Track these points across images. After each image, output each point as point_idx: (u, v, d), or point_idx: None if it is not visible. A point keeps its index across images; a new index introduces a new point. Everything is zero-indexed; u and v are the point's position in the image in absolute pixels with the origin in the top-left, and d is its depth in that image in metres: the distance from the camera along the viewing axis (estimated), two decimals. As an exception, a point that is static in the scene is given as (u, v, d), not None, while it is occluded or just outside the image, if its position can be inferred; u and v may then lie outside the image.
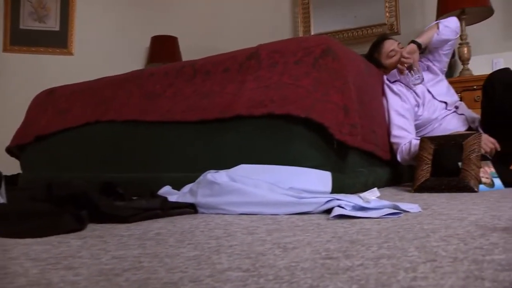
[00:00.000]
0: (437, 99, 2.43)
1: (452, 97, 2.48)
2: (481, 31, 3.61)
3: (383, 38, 2.60)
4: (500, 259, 0.65)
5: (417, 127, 2.40)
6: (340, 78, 1.73)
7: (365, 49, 2.70)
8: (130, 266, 0.70)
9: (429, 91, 2.44)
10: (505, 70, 2.21)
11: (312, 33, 4.42)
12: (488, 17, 3.43)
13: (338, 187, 1.65)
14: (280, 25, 4.68)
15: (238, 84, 1.89)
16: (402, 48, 2.47)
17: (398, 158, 2.28)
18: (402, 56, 2.33)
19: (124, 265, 0.70)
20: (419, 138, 2.21)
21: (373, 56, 2.52)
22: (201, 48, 4.47)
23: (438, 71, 2.51)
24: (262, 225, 1.10)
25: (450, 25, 2.41)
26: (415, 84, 2.36)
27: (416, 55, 2.35)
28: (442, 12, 3.40)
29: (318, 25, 4.45)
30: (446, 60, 2.54)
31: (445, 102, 2.43)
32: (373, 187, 2.05)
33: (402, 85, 2.43)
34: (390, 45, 2.50)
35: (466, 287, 0.52)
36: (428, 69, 2.52)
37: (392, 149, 2.31)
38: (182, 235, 0.99)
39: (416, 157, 2.08)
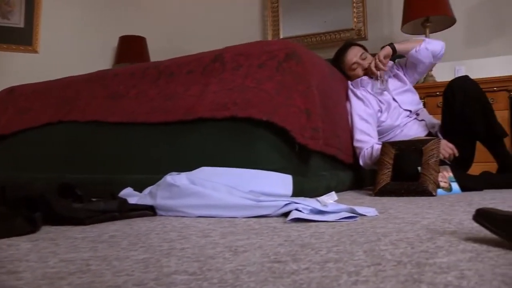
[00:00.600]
0: (402, 108, 2.47)
1: (417, 105, 2.52)
2: (444, 39, 3.67)
3: (346, 47, 2.62)
4: (442, 262, 0.67)
5: (380, 133, 2.44)
6: (304, 82, 1.74)
7: (333, 53, 2.72)
8: (77, 269, 0.69)
9: (394, 100, 2.47)
10: (465, 77, 2.26)
11: (281, 37, 4.45)
12: (451, 26, 3.51)
13: (299, 191, 1.66)
14: (250, 28, 4.69)
15: (202, 86, 1.89)
16: (364, 59, 2.50)
17: (361, 162, 2.31)
18: (378, 59, 2.37)
19: (70, 268, 0.69)
20: (381, 143, 2.25)
21: (338, 65, 2.55)
22: (170, 49, 4.46)
23: (406, 81, 2.55)
24: (218, 228, 1.10)
25: (431, 47, 2.45)
26: (376, 93, 2.41)
27: (387, 61, 2.39)
28: (408, 19, 3.48)
29: (287, 28, 4.48)
30: (417, 77, 2.62)
31: (410, 110, 2.47)
32: (336, 191, 2.08)
33: (366, 90, 2.47)
34: (352, 56, 2.53)
35: (404, 291, 0.54)
36: (396, 76, 2.57)
37: (355, 153, 2.34)
38: (136, 237, 0.99)
39: (377, 161, 2.11)
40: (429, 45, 2.46)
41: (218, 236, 0.97)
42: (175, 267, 0.68)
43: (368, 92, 2.46)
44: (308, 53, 1.90)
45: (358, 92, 2.44)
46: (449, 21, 3.47)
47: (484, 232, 0.87)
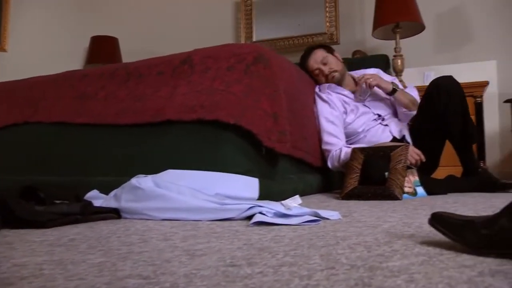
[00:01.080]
0: (372, 112, 2.50)
1: (386, 110, 2.56)
2: (414, 45, 3.77)
3: (308, 52, 2.61)
4: (394, 266, 0.68)
5: (346, 136, 2.46)
6: (271, 85, 1.75)
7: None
8: (29, 274, 0.68)
9: (365, 105, 2.50)
10: (450, 77, 2.27)
11: (254, 40, 4.46)
12: (420, 32, 3.58)
13: (266, 194, 1.66)
14: (223, 30, 4.70)
15: (170, 88, 1.88)
16: (326, 63, 2.51)
17: (329, 164, 2.33)
18: (374, 81, 2.37)
19: (22, 273, 0.68)
20: (349, 146, 2.27)
21: (305, 69, 2.56)
22: (142, 50, 4.43)
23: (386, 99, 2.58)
24: (180, 231, 1.10)
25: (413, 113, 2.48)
26: (355, 100, 2.45)
27: (379, 80, 2.41)
28: (379, 24, 3.53)
29: (261, 31, 4.49)
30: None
31: (379, 115, 2.50)
32: (303, 194, 2.10)
33: (331, 92, 2.49)
34: (313, 63, 2.55)
35: (352, 294, 0.55)
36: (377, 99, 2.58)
37: (323, 156, 2.36)
38: (96, 240, 0.98)
39: (346, 166, 2.13)
40: (413, 112, 2.48)
41: (179, 240, 0.97)
42: (130, 271, 0.68)
43: (334, 94, 2.48)
44: (277, 57, 1.91)
45: (323, 95, 2.47)
46: (419, 27, 3.53)
47: (440, 236, 0.88)
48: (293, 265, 0.70)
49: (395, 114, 2.57)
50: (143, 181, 1.41)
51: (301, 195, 2.08)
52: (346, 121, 2.46)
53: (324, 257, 0.75)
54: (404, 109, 2.48)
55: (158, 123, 1.85)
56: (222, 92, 1.71)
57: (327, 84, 2.51)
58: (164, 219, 1.32)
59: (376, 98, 2.53)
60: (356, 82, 2.60)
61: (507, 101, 3.24)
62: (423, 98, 2.37)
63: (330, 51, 2.61)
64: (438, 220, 0.83)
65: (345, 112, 2.47)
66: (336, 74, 2.51)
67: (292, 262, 0.72)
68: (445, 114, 2.19)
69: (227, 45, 1.89)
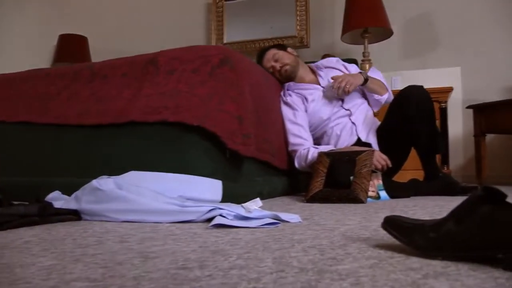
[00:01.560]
0: (343, 108, 2.51)
1: (355, 99, 2.55)
2: (382, 50, 3.83)
3: (260, 54, 2.64)
4: (344, 269, 0.69)
5: (313, 126, 2.49)
6: (236, 88, 1.76)
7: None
8: (-26, 277, 0.66)
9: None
10: (421, 87, 2.29)
11: (225, 41, 4.46)
12: (389, 38, 3.64)
13: (230, 196, 1.66)
14: (195, 31, 4.68)
15: (135, 89, 1.87)
16: (277, 60, 2.53)
17: (296, 164, 2.35)
18: (349, 86, 2.36)
19: (-33, 276, 0.67)
20: (317, 147, 2.29)
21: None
22: (112, 50, 4.38)
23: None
24: (139, 233, 1.09)
25: (387, 101, 2.54)
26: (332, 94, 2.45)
27: (352, 81, 2.40)
28: (348, 29, 3.57)
29: (232, 33, 4.48)
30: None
31: (349, 110, 2.51)
32: (269, 196, 2.11)
33: (291, 93, 2.51)
34: (266, 62, 2.57)
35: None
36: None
37: (290, 159, 2.37)
38: (51, 243, 0.96)
39: (312, 169, 2.15)
40: (388, 99, 2.54)
41: (135, 242, 0.96)
42: (78, 274, 0.67)
43: (294, 94, 2.50)
44: (243, 59, 1.91)
45: (285, 98, 2.50)
46: (387, 32, 3.59)
47: (394, 239, 0.90)
48: (244, 268, 0.70)
49: (364, 97, 2.61)
50: (104, 183, 1.39)
51: (266, 198, 2.10)
52: (308, 112, 2.48)
53: (276, 260, 0.76)
54: (375, 96, 2.52)
55: (123, 125, 1.83)
56: (186, 94, 1.71)
57: (286, 85, 2.54)
58: (125, 221, 1.31)
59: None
60: (313, 71, 2.64)
61: (469, 106, 3.32)
62: (393, 104, 2.41)
63: (282, 48, 2.63)
64: (390, 223, 0.85)
65: (306, 110, 2.48)
66: (288, 67, 2.54)
67: (243, 265, 0.73)
68: (413, 125, 2.23)
69: (193, 47, 1.88)
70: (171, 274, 0.66)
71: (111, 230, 1.16)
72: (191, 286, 0.60)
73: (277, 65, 2.54)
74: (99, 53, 4.50)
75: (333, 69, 2.62)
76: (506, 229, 0.68)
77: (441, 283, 0.60)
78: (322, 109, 2.48)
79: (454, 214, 0.74)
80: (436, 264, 0.71)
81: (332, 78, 2.44)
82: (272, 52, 2.58)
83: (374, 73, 2.63)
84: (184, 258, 0.78)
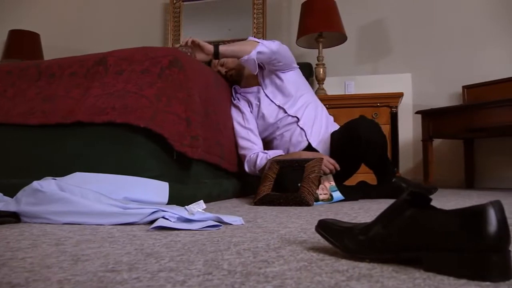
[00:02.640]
0: (274, 103, 2.49)
1: (286, 95, 2.50)
2: (336, 55, 3.90)
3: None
4: (272, 272, 0.70)
5: (263, 130, 2.51)
6: (185, 89, 1.75)
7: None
8: None
9: (267, 96, 2.51)
10: (371, 125, 2.24)
11: (181, 42, 4.44)
12: (343, 43, 3.70)
13: (178, 198, 1.66)
14: (151, 31, 4.64)
15: (83, 89, 1.84)
16: (222, 64, 2.55)
17: (246, 168, 2.37)
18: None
19: None
20: (266, 152, 2.31)
21: None
22: (66, 48, 4.31)
23: (280, 81, 2.51)
24: (77, 235, 1.08)
25: (263, 57, 2.34)
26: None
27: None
28: (303, 33, 3.61)
29: (190, 34, 4.42)
30: (281, 64, 2.48)
31: (283, 108, 2.48)
32: (219, 199, 2.11)
33: (239, 97, 2.53)
34: (213, 66, 2.58)
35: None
36: (274, 85, 2.53)
37: (241, 161, 2.39)
38: (-18, 246, 0.94)
39: (262, 175, 2.16)
40: (262, 55, 2.31)
41: (71, 244, 0.95)
42: (0, 279, 0.66)
43: (242, 97, 2.53)
44: (192, 61, 1.91)
45: (234, 102, 2.53)
46: (342, 38, 3.65)
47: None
48: (173, 270, 0.71)
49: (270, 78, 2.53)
50: (46, 184, 1.37)
51: (216, 200, 2.11)
52: (254, 115, 2.50)
53: (208, 263, 0.77)
54: (241, 59, 2.31)
55: (68, 125, 1.80)
56: (134, 95, 1.70)
57: (234, 87, 2.58)
58: (65, 223, 1.29)
59: (272, 87, 2.51)
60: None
61: (418, 112, 3.42)
62: (344, 129, 2.35)
63: None
64: (322, 226, 0.87)
65: (251, 112, 2.51)
66: (232, 72, 2.56)
67: (173, 267, 0.73)
68: (363, 158, 2.29)
69: (143, 48, 1.87)
70: (98, 277, 0.66)
71: (49, 232, 1.14)
72: (115, 289, 0.60)
73: (223, 70, 2.56)
74: (52, 51, 4.41)
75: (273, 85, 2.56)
76: (428, 231, 0.70)
77: (362, 285, 0.62)
78: (267, 112, 2.49)
79: (382, 217, 0.77)
80: (363, 266, 0.74)
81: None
82: None
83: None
84: (116, 261, 0.78)
